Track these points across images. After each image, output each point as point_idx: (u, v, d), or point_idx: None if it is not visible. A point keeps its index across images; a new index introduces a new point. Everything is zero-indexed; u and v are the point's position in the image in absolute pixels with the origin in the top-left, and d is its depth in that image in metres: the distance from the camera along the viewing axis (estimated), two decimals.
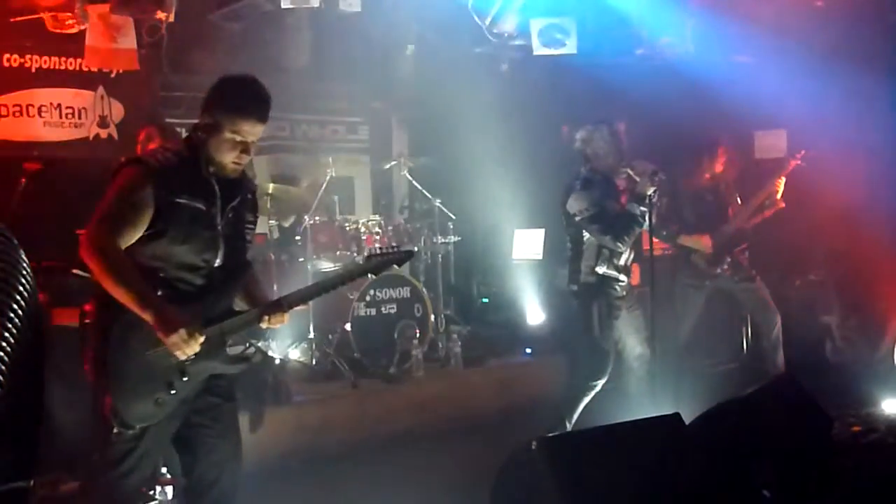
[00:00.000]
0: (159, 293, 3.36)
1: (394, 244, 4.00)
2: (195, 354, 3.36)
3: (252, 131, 3.55)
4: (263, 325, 3.59)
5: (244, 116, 3.52)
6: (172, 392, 3.38)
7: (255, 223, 3.78)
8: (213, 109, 3.53)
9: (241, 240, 3.66)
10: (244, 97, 3.58)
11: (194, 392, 3.50)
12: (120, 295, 3.25)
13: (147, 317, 3.24)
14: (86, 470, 3.57)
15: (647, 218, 5.71)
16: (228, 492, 3.62)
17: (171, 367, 3.36)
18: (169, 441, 3.54)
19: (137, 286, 3.26)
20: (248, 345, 3.69)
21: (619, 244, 5.72)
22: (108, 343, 3.34)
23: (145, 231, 3.36)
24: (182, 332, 3.26)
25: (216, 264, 3.51)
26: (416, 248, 4.06)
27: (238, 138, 3.50)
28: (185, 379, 3.39)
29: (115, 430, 3.32)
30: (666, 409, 4.43)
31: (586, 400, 5.86)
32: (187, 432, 3.55)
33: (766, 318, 7.12)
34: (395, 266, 3.92)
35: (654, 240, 6.45)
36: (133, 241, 3.35)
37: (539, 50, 8.10)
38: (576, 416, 5.87)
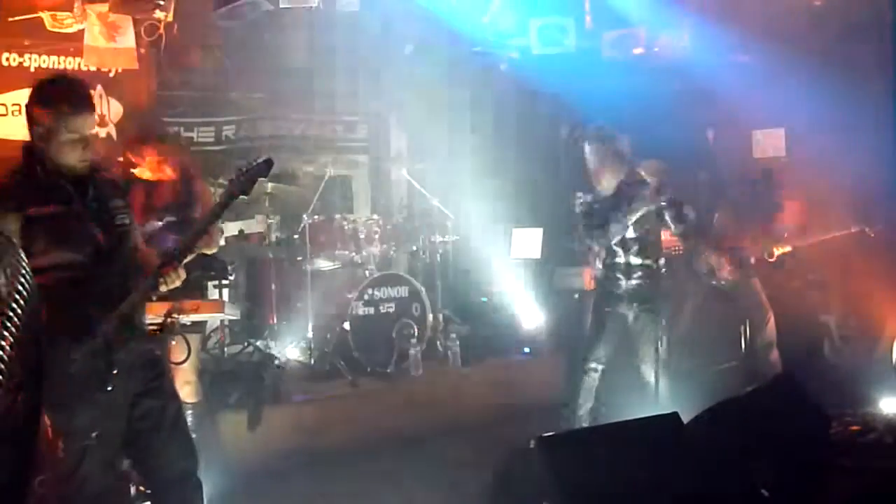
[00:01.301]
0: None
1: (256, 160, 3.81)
2: (112, 342, 3.38)
3: (86, 124, 3.51)
4: (163, 288, 3.53)
5: (73, 114, 3.45)
6: (108, 389, 3.39)
7: (126, 206, 3.71)
8: (40, 116, 3.49)
9: (115, 225, 3.61)
10: (65, 92, 3.50)
11: (132, 389, 3.51)
12: None
13: None
14: (42, 489, 3.57)
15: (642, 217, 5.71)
16: (189, 492, 3.64)
17: (96, 364, 3.37)
18: (119, 441, 3.54)
19: None
20: (165, 314, 3.67)
21: (587, 240, 5.89)
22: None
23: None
24: None
25: (99, 255, 3.50)
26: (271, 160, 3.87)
27: (76, 136, 3.47)
28: (114, 371, 3.40)
29: (62, 446, 3.37)
30: (664, 409, 4.43)
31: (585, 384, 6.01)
32: (135, 439, 3.57)
33: (758, 316, 7.13)
34: (262, 177, 3.80)
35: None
36: None
37: (538, 49, 8.10)
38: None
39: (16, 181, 3.46)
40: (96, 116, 3.58)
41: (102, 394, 3.38)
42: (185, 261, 3.61)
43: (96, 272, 3.47)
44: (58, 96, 3.47)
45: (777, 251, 7.05)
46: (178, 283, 3.58)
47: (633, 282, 5.79)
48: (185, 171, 3.73)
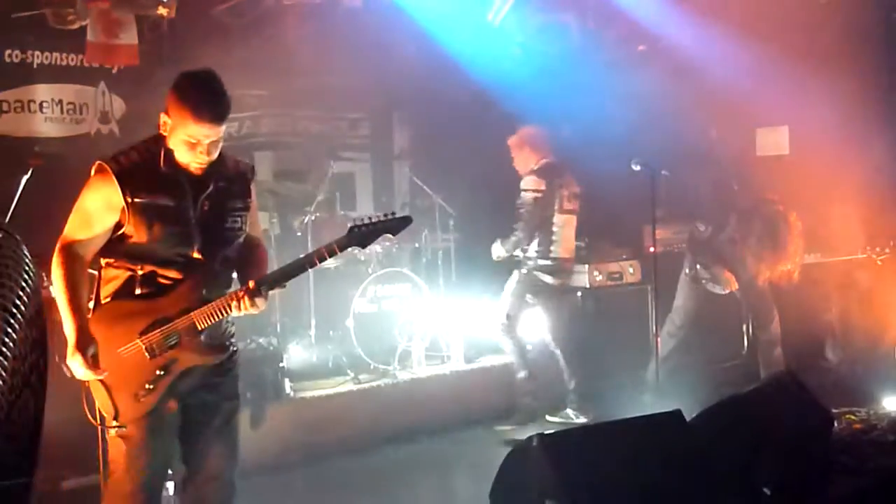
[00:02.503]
0: (140, 291, 3.42)
1: (384, 213, 3.77)
2: (170, 347, 3.38)
3: (206, 133, 3.40)
4: (235, 312, 3.45)
5: (195, 119, 3.36)
6: (149, 387, 3.39)
7: (244, 208, 3.65)
8: (169, 108, 3.44)
9: (223, 229, 3.56)
10: (195, 98, 3.40)
11: (187, 387, 3.50)
12: (58, 299, 3.36)
13: (67, 327, 3.34)
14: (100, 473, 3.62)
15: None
16: (223, 489, 3.63)
17: (146, 362, 3.38)
18: (175, 434, 3.54)
19: (73, 295, 3.34)
20: (227, 335, 3.62)
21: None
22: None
23: (116, 233, 3.41)
24: (79, 357, 3.31)
25: (194, 256, 3.47)
26: (410, 217, 3.88)
27: (193, 140, 3.39)
28: (160, 373, 3.40)
29: (104, 429, 3.42)
30: (667, 406, 4.43)
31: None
32: (186, 425, 3.56)
33: (764, 314, 7.13)
34: (390, 235, 3.79)
35: (658, 236, 6.49)
36: (97, 245, 3.42)
37: (541, 47, 8.09)
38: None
39: (138, 163, 3.42)
40: (223, 128, 3.46)
41: (143, 390, 3.40)
42: (270, 289, 3.51)
43: (184, 270, 3.46)
44: (189, 98, 3.40)
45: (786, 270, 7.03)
46: (253, 312, 3.49)
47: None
48: (251, 169, 3.74)
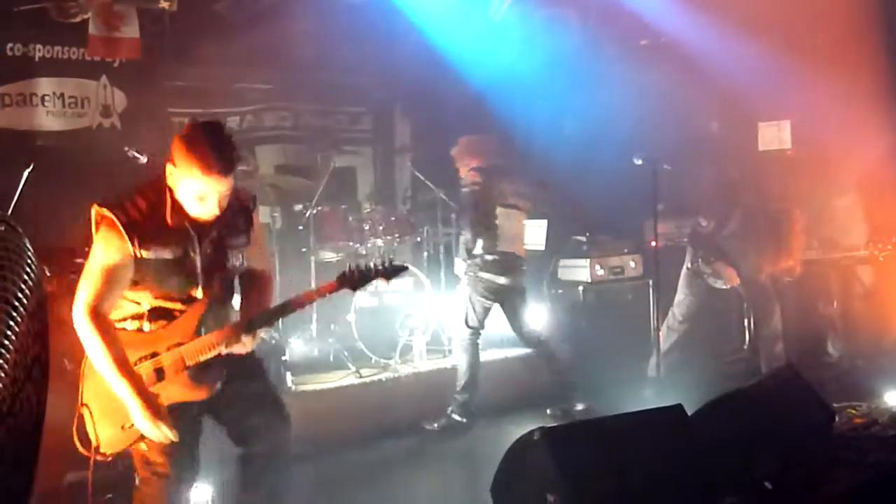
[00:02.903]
0: (139, 324, 3.45)
1: (380, 263, 3.85)
2: (158, 380, 3.40)
3: (215, 186, 3.35)
4: (224, 349, 3.46)
5: (204, 171, 3.31)
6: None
7: (246, 242, 3.65)
8: (175, 159, 3.37)
9: (225, 268, 3.58)
10: (204, 149, 3.32)
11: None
12: (104, 368, 3.30)
13: (125, 394, 3.29)
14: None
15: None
16: (275, 452, 3.73)
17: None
18: (195, 444, 3.60)
19: (119, 360, 3.30)
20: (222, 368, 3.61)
21: None
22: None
23: None
24: (161, 425, 3.32)
25: (195, 295, 3.50)
26: (406, 266, 3.92)
27: (202, 193, 3.36)
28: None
29: (89, 456, 3.43)
30: (669, 400, 4.43)
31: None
32: (220, 414, 3.65)
33: (765, 308, 7.13)
34: (385, 280, 3.84)
35: (659, 231, 6.47)
36: (118, 298, 3.40)
37: (543, 41, 8.08)
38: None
39: (145, 214, 3.37)
40: (231, 179, 3.39)
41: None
42: (258, 329, 3.54)
43: (184, 308, 3.48)
44: (197, 149, 3.32)
45: (787, 266, 7.03)
46: (242, 351, 3.52)
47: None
48: (252, 200, 3.70)
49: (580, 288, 7.81)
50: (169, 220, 3.40)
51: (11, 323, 1.63)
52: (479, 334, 6.70)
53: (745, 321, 7.94)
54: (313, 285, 7.07)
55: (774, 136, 8.53)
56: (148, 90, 7.59)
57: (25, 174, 5.83)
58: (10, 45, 6.94)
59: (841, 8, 7.67)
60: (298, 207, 7.53)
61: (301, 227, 7.35)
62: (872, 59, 7.56)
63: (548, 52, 8.28)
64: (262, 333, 3.53)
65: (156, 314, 3.46)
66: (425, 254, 8.09)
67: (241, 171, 7.61)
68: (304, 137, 8.89)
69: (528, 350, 7.66)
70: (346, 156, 8.78)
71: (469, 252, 6.61)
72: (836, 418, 5.22)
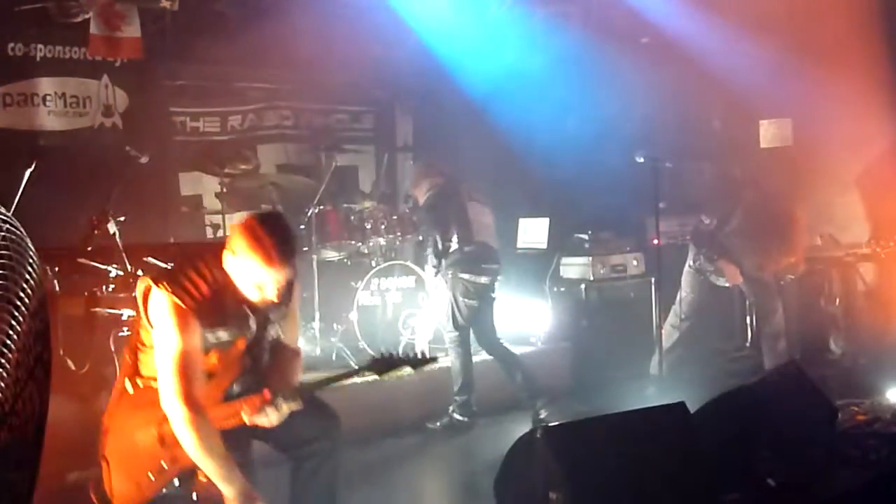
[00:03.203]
0: None
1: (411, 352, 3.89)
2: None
3: (276, 277, 3.43)
4: (245, 418, 3.47)
5: (266, 262, 3.38)
6: (152, 477, 3.43)
7: (283, 314, 3.72)
8: (237, 247, 3.42)
9: (262, 342, 3.66)
10: (266, 241, 3.39)
11: None
12: (204, 464, 3.33)
13: (228, 489, 3.33)
14: None
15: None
16: (325, 454, 3.78)
17: (156, 451, 3.43)
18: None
19: (222, 459, 3.34)
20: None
21: None
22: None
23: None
24: None
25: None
26: (436, 357, 3.98)
27: (261, 283, 3.43)
28: (164, 465, 3.44)
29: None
30: (671, 398, 4.43)
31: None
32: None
33: (767, 305, 7.12)
34: (411, 368, 3.85)
35: (661, 229, 6.47)
36: (204, 379, 3.42)
37: (543, 38, 8.07)
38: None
39: (206, 296, 3.42)
40: (291, 269, 3.47)
41: (149, 479, 3.47)
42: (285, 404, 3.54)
43: (218, 375, 3.53)
44: (260, 243, 3.38)
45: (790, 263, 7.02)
46: (266, 424, 3.50)
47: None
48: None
49: (582, 286, 7.80)
50: (228, 302, 3.47)
51: (14, 322, 1.63)
52: (469, 333, 6.68)
53: (748, 319, 7.94)
54: (316, 284, 7.07)
55: (776, 133, 8.53)
56: (149, 90, 7.59)
57: (27, 174, 5.84)
58: (11, 44, 6.93)
59: (843, 5, 7.67)
60: (299, 206, 7.52)
61: (302, 227, 7.34)
62: (874, 56, 7.56)
63: (549, 50, 8.26)
64: (288, 408, 3.51)
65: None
66: (427, 252, 8.08)
67: (243, 170, 7.68)
68: (305, 136, 8.89)
69: (530, 348, 7.68)
70: (348, 154, 8.77)
71: (446, 251, 6.57)
72: (839, 415, 5.21)
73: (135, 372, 3.54)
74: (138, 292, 3.47)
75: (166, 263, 5.02)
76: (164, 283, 3.37)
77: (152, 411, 3.38)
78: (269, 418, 3.44)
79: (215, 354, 3.48)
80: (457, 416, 6.48)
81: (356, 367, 3.73)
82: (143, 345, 3.52)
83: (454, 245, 6.55)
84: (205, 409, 3.34)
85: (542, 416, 6.47)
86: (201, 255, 3.55)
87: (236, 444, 3.49)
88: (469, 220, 6.55)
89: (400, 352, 3.83)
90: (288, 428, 3.58)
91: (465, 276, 6.49)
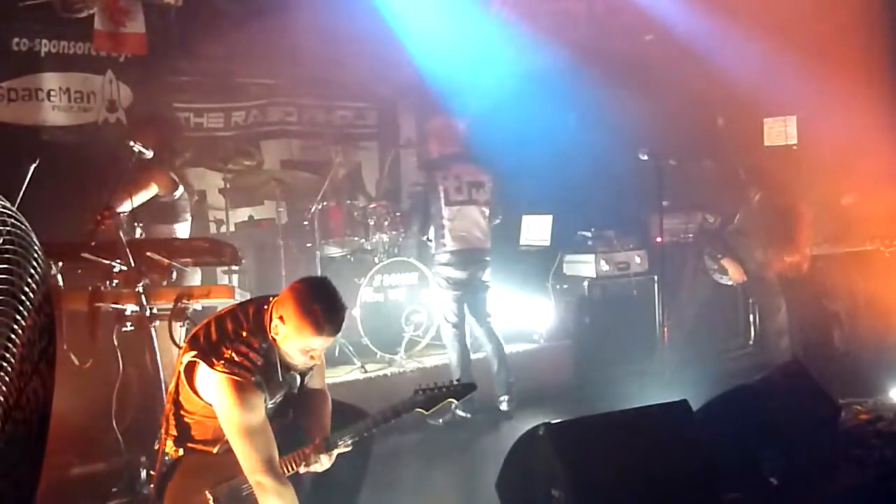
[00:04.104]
0: (221, 446, 3.56)
1: (449, 382, 3.97)
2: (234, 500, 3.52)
3: (323, 343, 3.56)
4: (304, 469, 3.60)
5: (316, 332, 3.48)
6: None
7: (313, 366, 3.78)
8: (284, 316, 3.50)
9: (297, 394, 3.77)
10: (319, 312, 3.49)
11: None
12: None
13: None
14: None
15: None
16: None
17: None
18: None
19: None
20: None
21: None
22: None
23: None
24: None
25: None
26: (475, 385, 4.03)
27: (308, 348, 3.53)
28: None
29: None
30: (674, 396, 4.43)
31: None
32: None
33: (770, 303, 7.12)
34: (454, 400, 3.90)
35: (665, 226, 6.47)
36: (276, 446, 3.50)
37: (547, 34, 8.06)
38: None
39: (263, 372, 3.51)
40: (334, 338, 3.61)
41: None
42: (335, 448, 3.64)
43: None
44: (311, 311, 3.48)
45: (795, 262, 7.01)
46: (320, 469, 3.61)
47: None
48: None
49: (585, 283, 7.80)
50: (279, 373, 3.57)
51: (18, 317, 1.63)
52: (463, 328, 6.70)
53: (751, 317, 7.94)
54: None
55: (780, 131, 8.52)
56: (154, 85, 7.59)
57: (31, 169, 5.84)
58: (15, 39, 6.93)
59: (848, 3, 7.66)
60: (304, 202, 7.52)
61: (306, 223, 7.35)
62: (879, 54, 7.55)
63: (553, 46, 8.25)
64: (338, 451, 3.63)
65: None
66: (430, 249, 8.09)
67: (246, 166, 7.69)
68: (308, 132, 8.89)
69: (532, 345, 7.68)
70: (351, 151, 8.76)
71: (429, 249, 6.76)
72: (842, 414, 5.21)
73: (184, 438, 3.63)
74: (180, 367, 3.57)
75: (168, 259, 5.03)
76: (219, 363, 3.44)
77: (205, 475, 3.52)
78: (323, 465, 3.59)
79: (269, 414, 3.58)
80: (459, 413, 6.49)
81: (404, 406, 3.79)
82: (188, 412, 3.61)
83: (433, 248, 6.74)
84: (284, 475, 3.46)
85: (503, 410, 6.59)
86: (250, 327, 3.60)
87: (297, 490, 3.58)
88: (442, 230, 6.61)
89: (439, 383, 3.90)
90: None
91: (444, 269, 6.63)
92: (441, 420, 6.44)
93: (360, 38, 8.09)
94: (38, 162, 5.70)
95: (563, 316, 7.82)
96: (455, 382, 3.95)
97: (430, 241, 6.82)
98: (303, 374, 3.77)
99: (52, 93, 7.13)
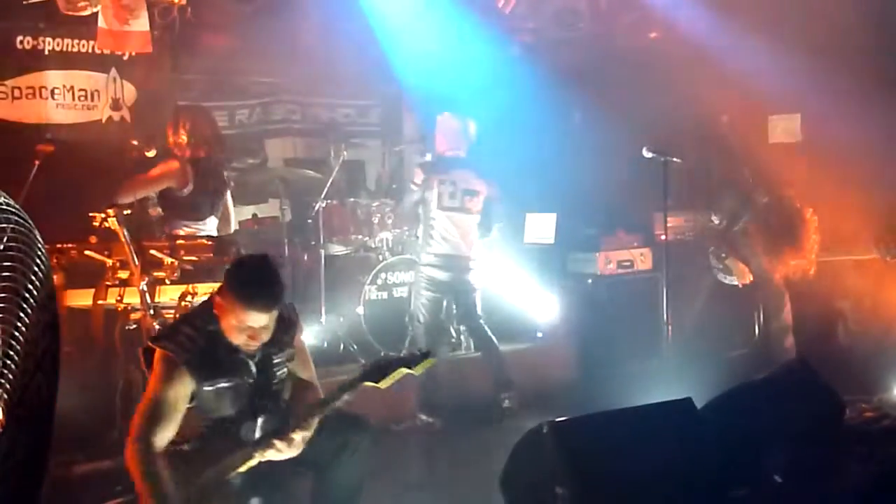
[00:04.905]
0: (192, 444, 3.62)
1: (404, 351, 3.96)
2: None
3: (257, 320, 3.54)
4: (261, 458, 3.56)
5: (245, 307, 3.50)
6: None
7: (290, 357, 3.82)
8: (222, 292, 3.57)
9: (272, 385, 3.75)
10: (247, 287, 3.54)
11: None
12: (143, 495, 3.39)
13: None
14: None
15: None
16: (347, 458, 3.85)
17: None
18: None
19: (160, 494, 3.38)
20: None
21: None
22: None
23: None
24: None
25: (245, 412, 3.66)
26: (430, 352, 3.88)
27: (243, 325, 3.53)
28: None
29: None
30: (678, 394, 4.42)
31: None
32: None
33: (775, 302, 7.11)
34: (408, 369, 3.78)
35: (669, 224, 6.45)
36: (175, 430, 3.51)
37: (552, 33, 8.05)
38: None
39: (201, 347, 3.55)
40: (274, 313, 3.59)
41: None
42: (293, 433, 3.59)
43: (238, 422, 3.65)
44: (240, 286, 3.54)
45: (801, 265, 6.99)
46: (278, 457, 3.56)
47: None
48: (294, 311, 4.03)
49: (589, 281, 7.79)
50: (221, 349, 3.58)
51: (22, 314, 1.63)
52: (435, 331, 6.76)
53: (755, 315, 7.92)
54: (322, 277, 7.08)
55: (785, 128, 8.50)
56: (158, 83, 7.59)
57: (35, 167, 5.85)
58: (19, 38, 6.94)
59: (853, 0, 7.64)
60: (307, 201, 7.53)
61: (310, 221, 7.35)
62: (884, 52, 7.53)
63: (557, 44, 8.25)
64: (298, 436, 3.57)
65: (205, 435, 3.65)
66: None
67: (250, 164, 7.69)
68: (312, 130, 8.89)
69: (536, 343, 7.68)
70: (355, 149, 8.77)
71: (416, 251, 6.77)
72: (847, 412, 5.20)
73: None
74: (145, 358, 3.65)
75: (170, 257, 5.04)
76: (161, 343, 3.55)
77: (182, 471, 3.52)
78: (283, 453, 3.53)
79: (217, 401, 3.60)
80: (423, 418, 6.49)
81: (351, 380, 3.72)
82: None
83: (419, 246, 6.75)
84: (154, 454, 3.43)
85: (505, 406, 6.54)
86: (198, 310, 3.72)
87: (279, 484, 3.63)
88: (431, 231, 6.62)
89: (400, 353, 3.92)
90: (318, 448, 3.68)
91: (428, 272, 6.64)
92: (402, 426, 6.42)
93: (364, 36, 8.08)
94: (41, 160, 5.72)
95: (567, 314, 7.81)
96: (408, 353, 3.87)
97: (418, 237, 6.81)
98: (261, 364, 3.71)
99: (56, 91, 7.14)
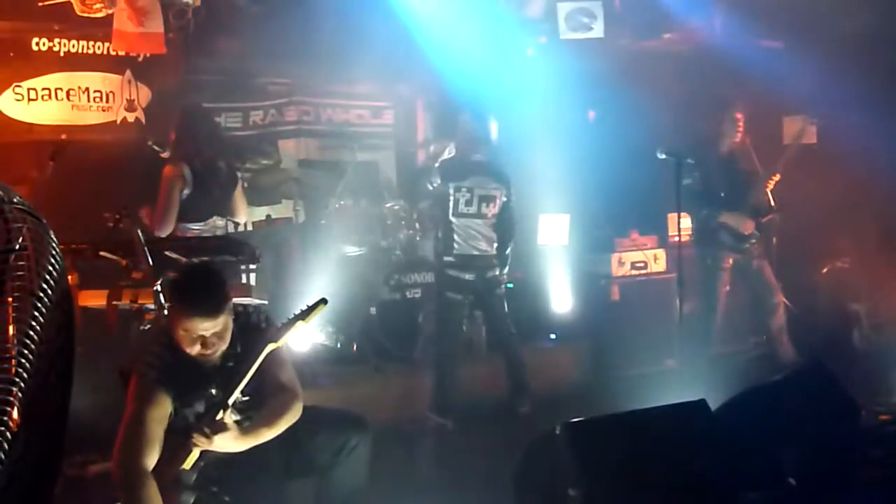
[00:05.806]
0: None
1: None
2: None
3: (201, 327, 3.46)
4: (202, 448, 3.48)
5: (189, 315, 3.45)
6: None
7: (252, 362, 3.62)
8: (170, 302, 3.60)
9: (240, 390, 3.61)
10: (187, 293, 3.51)
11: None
12: None
13: None
14: None
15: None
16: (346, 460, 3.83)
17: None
18: None
19: None
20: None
21: None
22: None
23: None
24: None
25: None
26: (325, 300, 3.91)
27: (193, 334, 3.47)
28: None
29: None
30: (692, 396, 4.40)
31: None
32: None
33: (769, 302, 7.10)
34: (302, 322, 3.76)
35: (682, 226, 6.43)
36: (159, 450, 3.44)
37: (566, 34, 8.04)
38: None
39: (170, 364, 3.52)
40: (221, 319, 3.50)
41: None
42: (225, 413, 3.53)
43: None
44: (179, 293, 3.54)
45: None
46: (206, 446, 3.45)
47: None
48: (266, 318, 3.99)
49: (603, 282, 7.78)
50: (181, 362, 3.52)
51: (36, 314, 1.64)
52: (456, 355, 6.70)
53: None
54: (336, 278, 7.07)
55: (799, 130, 8.45)
56: (172, 85, 7.62)
57: (50, 168, 5.88)
58: (35, 39, 6.98)
59: (868, 1, 7.61)
60: (320, 202, 7.54)
61: (323, 222, 7.36)
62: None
63: (571, 44, 8.23)
64: (229, 419, 3.50)
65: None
66: None
67: (264, 165, 7.70)
68: (325, 132, 8.89)
69: (550, 344, 7.67)
70: (369, 150, 8.78)
71: (436, 253, 6.66)
72: (862, 414, 5.17)
73: None
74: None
75: (186, 257, 5.05)
76: (136, 367, 3.52)
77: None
78: (202, 442, 3.42)
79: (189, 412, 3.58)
80: (434, 418, 6.47)
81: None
82: None
83: (439, 248, 6.63)
84: (142, 475, 3.35)
85: (522, 412, 6.50)
86: (164, 327, 3.67)
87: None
88: (452, 233, 6.50)
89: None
90: (318, 449, 3.71)
91: (452, 272, 6.51)
92: (414, 427, 6.37)
93: (378, 37, 8.09)
94: (56, 161, 5.75)
95: (581, 315, 7.80)
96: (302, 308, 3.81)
97: (440, 237, 6.73)
98: (227, 371, 3.60)
99: (72, 92, 7.18)
